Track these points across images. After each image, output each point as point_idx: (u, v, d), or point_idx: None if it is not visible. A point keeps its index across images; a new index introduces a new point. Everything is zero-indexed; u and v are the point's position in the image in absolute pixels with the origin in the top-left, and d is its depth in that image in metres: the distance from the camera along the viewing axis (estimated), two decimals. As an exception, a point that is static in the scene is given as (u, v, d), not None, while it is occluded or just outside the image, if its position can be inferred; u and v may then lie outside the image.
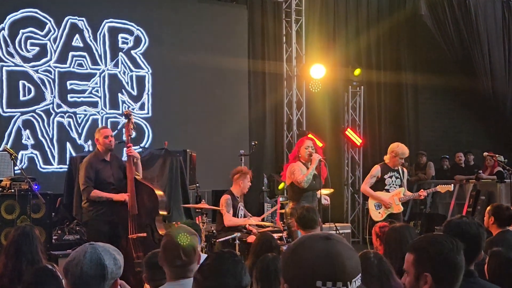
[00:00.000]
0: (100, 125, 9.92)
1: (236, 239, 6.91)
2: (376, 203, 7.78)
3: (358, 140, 12.20)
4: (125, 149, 6.81)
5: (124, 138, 6.98)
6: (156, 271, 3.59)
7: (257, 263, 3.71)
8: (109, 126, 9.96)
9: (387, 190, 7.74)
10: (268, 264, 3.65)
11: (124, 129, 7.09)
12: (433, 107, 13.95)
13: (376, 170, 7.80)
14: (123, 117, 7.22)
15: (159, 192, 6.68)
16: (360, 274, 1.62)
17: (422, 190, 8.16)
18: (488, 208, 5.43)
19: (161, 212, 6.57)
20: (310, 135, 11.02)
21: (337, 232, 9.52)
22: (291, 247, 1.70)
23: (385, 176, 7.74)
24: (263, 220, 8.49)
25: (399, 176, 7.80)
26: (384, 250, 4.13)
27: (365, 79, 12.36)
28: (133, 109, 10.27)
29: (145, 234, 6.43)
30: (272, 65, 11.80)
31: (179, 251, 3.10)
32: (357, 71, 11.94)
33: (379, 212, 7.74)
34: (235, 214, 7.58)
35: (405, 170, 8.03)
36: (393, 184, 7.76)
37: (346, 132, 12.18)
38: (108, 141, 6.77)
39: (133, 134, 6.91)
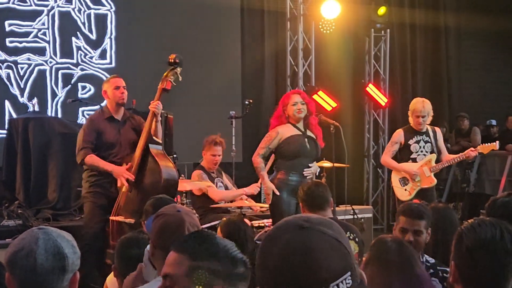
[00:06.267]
0: (48, 78, 9.92)
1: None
2: (400, 177, 7.84)
3: (382, 99, 12.24)
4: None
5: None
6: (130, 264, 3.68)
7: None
8: (59, 79, 9.96)
9: (414, 160, 7.76)
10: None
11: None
12: (479, 57, 13.99)
13: (398, 135, 7.87)
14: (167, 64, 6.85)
15: (168, 177, 6.41)
16: (348, 274, 1.58)
17: (472, 148, 7.94)
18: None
19: None
20: (320, 93, 11.10)
21: (355, 217, 9.59)
22: (263, 237, 1.68)
23: (410, 142, 7.76)
24: (261, 200, 8.52)
25: (429, 140, 7.77)
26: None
27: (393, 20, 12.37)
28: (91, 57, 10.23)
29: (132, 220, 6.27)
30: (272, 1, 11.76)
31: (185, 232, 3.11)
32: (382, 10, 11.92)
33: (406, 190, 7.80)
34: None
35: (437, 130, 7.95)
36: (421, 151, 7.77)
37: (367, 89, 12.22)
38: (119, 93, 6.72)
39: (168, 88, 6.65)
